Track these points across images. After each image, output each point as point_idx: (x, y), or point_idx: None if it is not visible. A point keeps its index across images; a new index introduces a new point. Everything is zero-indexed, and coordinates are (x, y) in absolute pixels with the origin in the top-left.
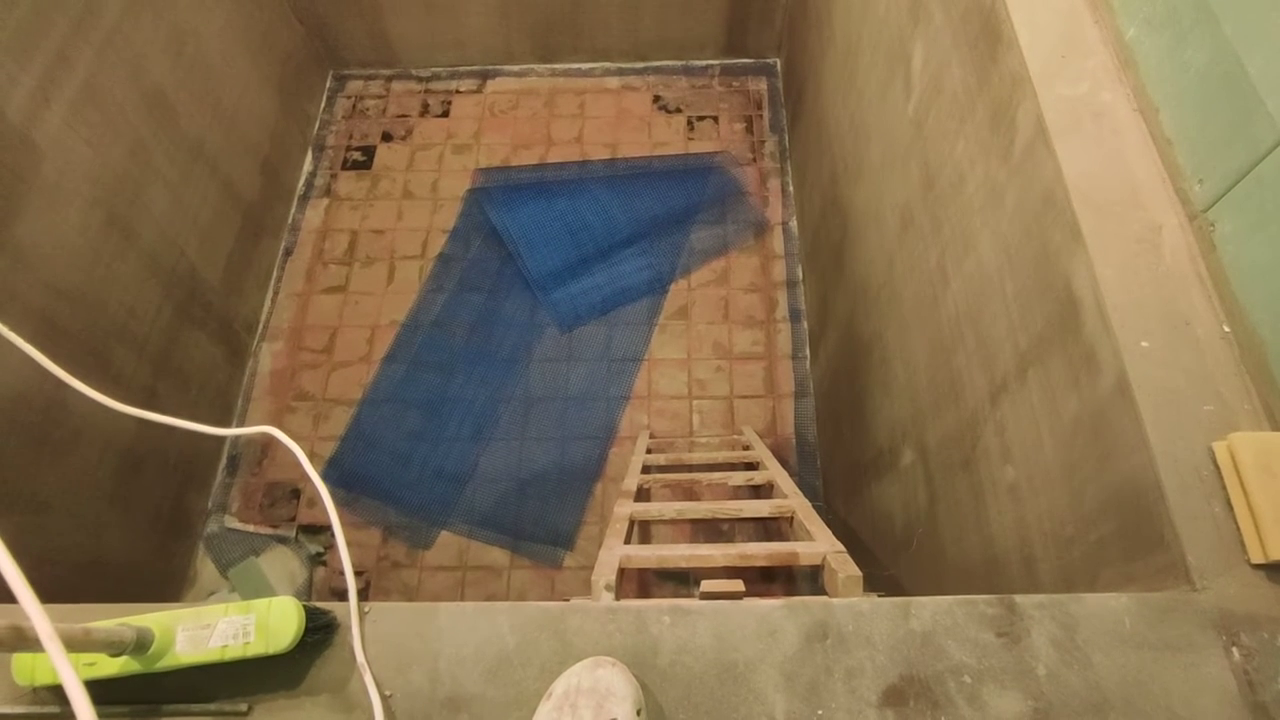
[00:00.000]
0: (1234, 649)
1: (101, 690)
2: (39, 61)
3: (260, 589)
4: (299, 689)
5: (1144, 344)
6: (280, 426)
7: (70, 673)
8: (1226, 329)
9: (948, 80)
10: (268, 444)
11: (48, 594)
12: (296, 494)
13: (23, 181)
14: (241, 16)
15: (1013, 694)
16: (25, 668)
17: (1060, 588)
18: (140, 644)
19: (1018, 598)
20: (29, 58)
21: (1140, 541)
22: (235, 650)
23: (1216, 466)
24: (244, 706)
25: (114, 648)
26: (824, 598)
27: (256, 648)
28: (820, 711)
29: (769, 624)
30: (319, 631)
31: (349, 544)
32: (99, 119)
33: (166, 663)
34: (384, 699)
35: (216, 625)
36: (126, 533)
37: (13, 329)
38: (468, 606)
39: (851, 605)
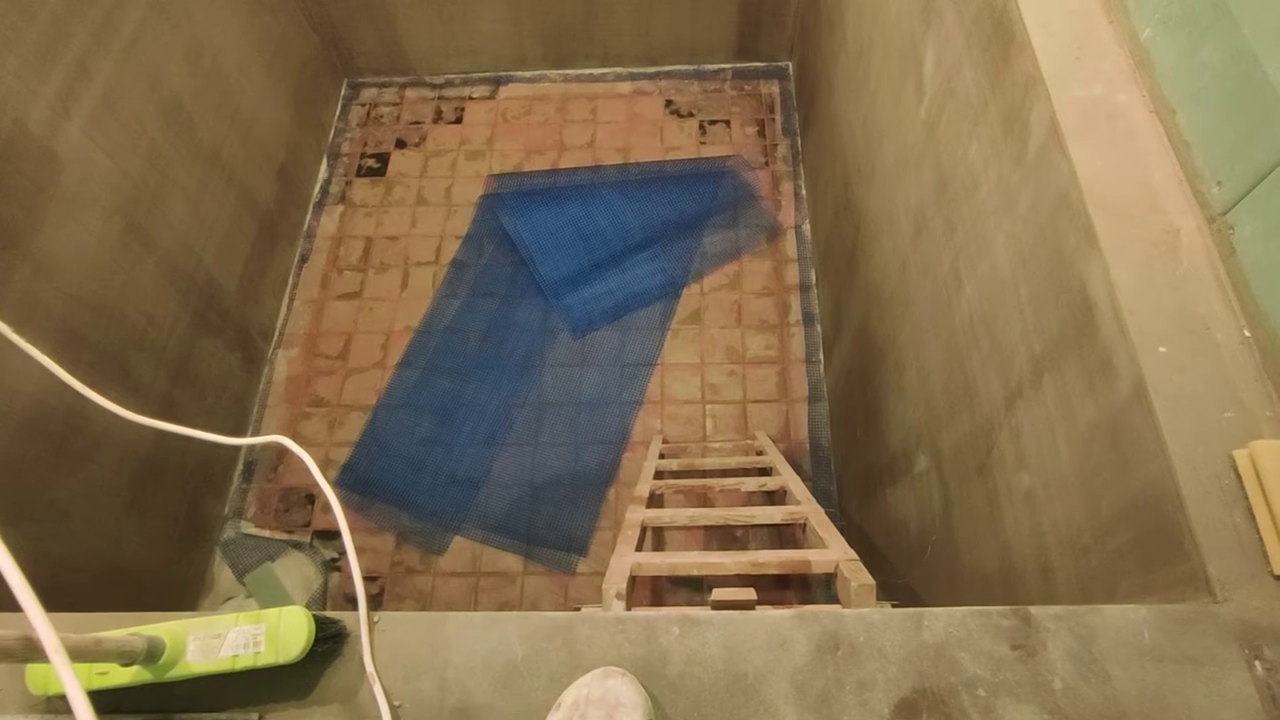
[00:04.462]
0: (1256, 662)
1: (113, 699)
2: (59, 73)
3: (276, 595)
4: (309, 698)
5: (1162, 349)
6: (295, 433)
7: (74, 682)
8: (1247, 334)
9: (960, 82)
10: (283, 450)
11: (67, 601)
12: (311, 499)
13: (43, 192)
14: (257, 27)
15: (1028, 708)
16: (39, 677)
17: (1077, 598)
18: (152, 653)
19: (1033, 609)
20: (49, 70)
21: (1159, 551)
22: (246, 660)
23: (1237, 475)
24: (255, 716)
25: (125, 657)
26: (835, 608)
27: (267, 657)
28: None
29: (779, 634)
30: (329, 641)
31: (363, 550)
32: (118, 129)
33: (178, 672)
34: (393, 708)
35: (227, 635)
36: (145, 539)
37: (34, 338)
38: (476, 616)
39: (863, 616)
